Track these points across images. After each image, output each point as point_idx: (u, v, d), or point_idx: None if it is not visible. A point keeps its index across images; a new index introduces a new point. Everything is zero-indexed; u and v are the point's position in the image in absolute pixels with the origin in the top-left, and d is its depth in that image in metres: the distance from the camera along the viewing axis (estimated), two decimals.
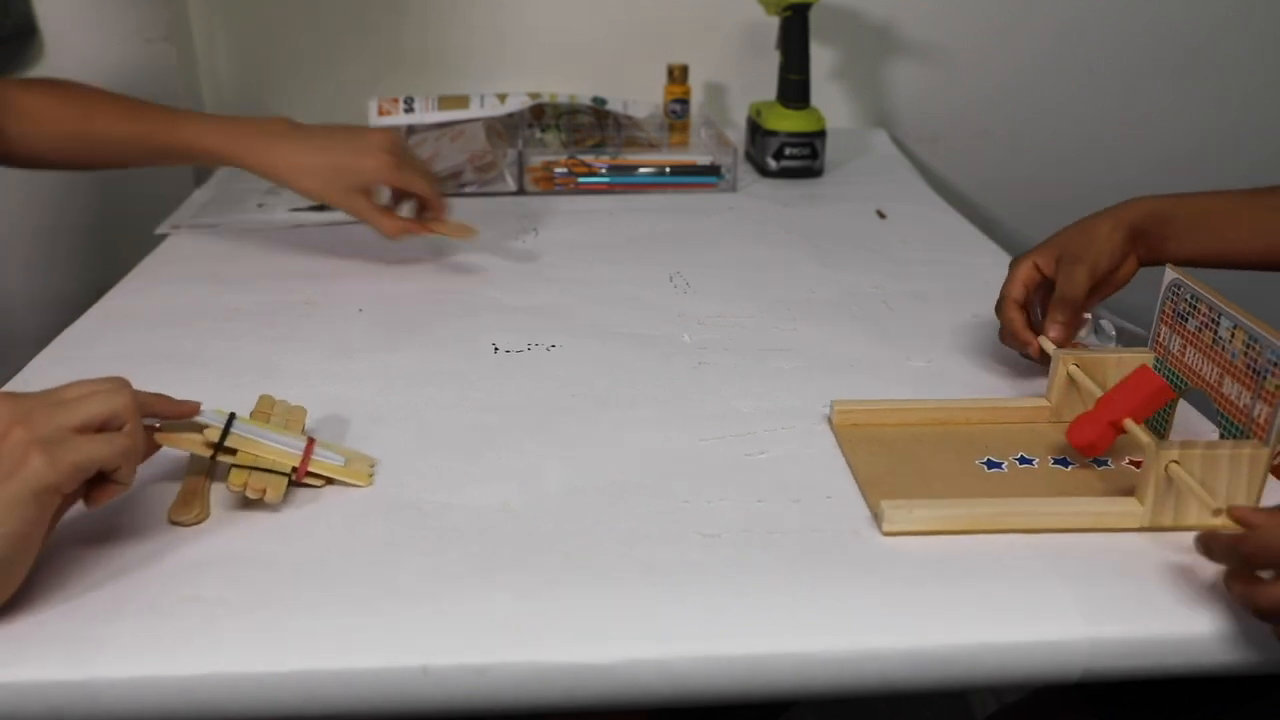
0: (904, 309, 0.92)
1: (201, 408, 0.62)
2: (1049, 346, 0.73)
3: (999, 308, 0.77)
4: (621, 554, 0.58)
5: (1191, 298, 0.67)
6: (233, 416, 0.63)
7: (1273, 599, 0.50)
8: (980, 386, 0.78)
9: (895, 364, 0.81)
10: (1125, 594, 0.55)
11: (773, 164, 1.30)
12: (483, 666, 0.51)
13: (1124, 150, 1.60)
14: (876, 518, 0.60)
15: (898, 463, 0.66)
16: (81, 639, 0.51)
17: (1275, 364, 0.58)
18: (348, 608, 0.54)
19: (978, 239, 1.11)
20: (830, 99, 1.51)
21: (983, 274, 0.96)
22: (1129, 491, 0.62)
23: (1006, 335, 0.77)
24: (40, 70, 1.37)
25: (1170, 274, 0.69)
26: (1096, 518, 0.60)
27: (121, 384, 0.56)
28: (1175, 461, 0.58)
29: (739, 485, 0.64)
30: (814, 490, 0.64)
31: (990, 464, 0.67)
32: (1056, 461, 0.67)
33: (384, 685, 0.50)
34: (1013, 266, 0.78)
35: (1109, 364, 0.69)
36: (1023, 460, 0.67)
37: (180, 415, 0.61)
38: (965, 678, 0.52)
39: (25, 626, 0.52)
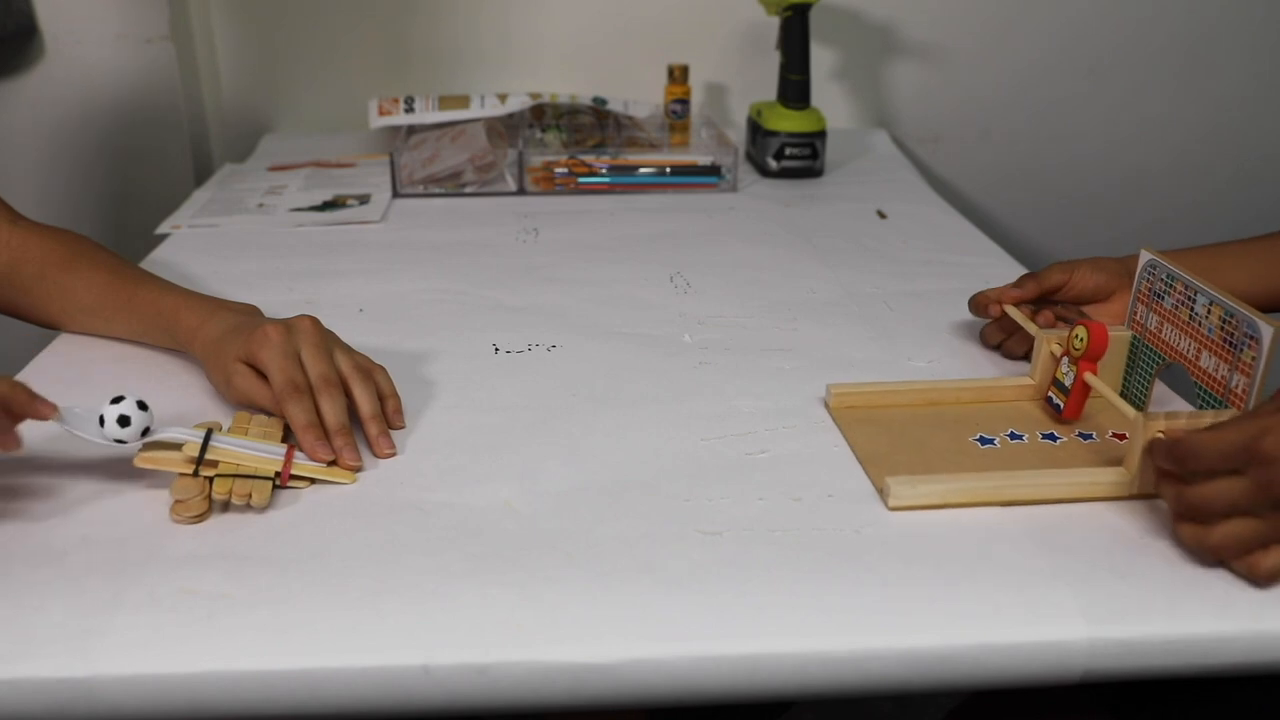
0: (904, 309, 0.92)
1: (174, 431, 0.62)
2: (1012, 311, 0.78)
3: (971, 301, 0.83)
4: (622, 553, 0.58)
5: (1168, 276, 0.69)
6: (210, 432, 0.63)
7: (1225, 535, 0.54)
8: None
9: (895, 364, 0.81)
10: (1125, 594, 0.55)
11: (773, 164, 1.30)
12: (483, 666, 0.51)
13: (1123, 150, 1.60)
14: (881, 494, 0.62)
15: (896, 441, 0.69)
16: (81, 636, 0.51)
17: (1251, 337, 0.61)
18: (348, 606, 0.54)
19: (978, 239, 1.11)
20: (830, 99, 1.51)
21: (983, 274, 0.96)
22: (1117, 462, 0.64)
23: (988, 331, 0.83)
24: (40, 70, 1.37)
25: (1146, 255, 0.72)
26: (1089, 487, 0.63)
27: None
28: (1161, 431, 0.60)
29: (739, 484, 0.64)
30: (815, 489, 0.64)
31: (983, 440, 0.69)
32: (1045, 436, 0.70)
33: (384, 684, 0.50)
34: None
35: None
36: (1013, 436, 0.70)
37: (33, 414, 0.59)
38: (966, 678, 0.52)
39: (24, 623, 0.52)
